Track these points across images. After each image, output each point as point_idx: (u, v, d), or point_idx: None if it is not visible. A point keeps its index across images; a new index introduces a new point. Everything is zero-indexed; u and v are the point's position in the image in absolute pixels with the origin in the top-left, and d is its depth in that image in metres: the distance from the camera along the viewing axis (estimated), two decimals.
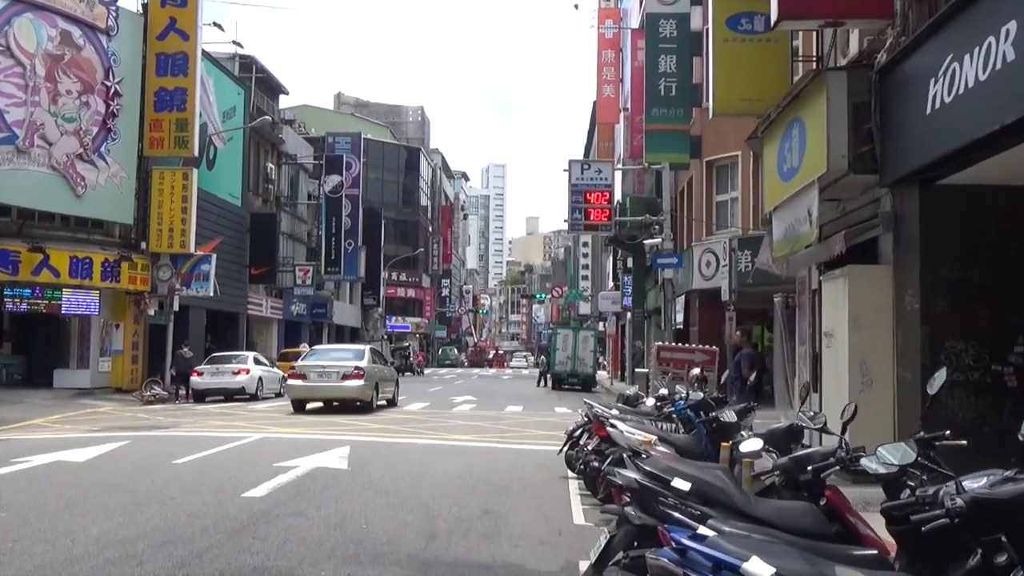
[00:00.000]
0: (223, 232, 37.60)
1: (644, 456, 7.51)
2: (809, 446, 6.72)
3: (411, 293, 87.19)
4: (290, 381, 24.29)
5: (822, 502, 5.13)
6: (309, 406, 23.60)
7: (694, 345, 17.53)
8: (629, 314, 45.78)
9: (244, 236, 40.59)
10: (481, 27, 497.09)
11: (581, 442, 11.67)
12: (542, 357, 43.01)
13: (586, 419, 12.21)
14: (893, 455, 3.99)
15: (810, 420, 6.65)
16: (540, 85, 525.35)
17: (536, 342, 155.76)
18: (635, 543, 4.85)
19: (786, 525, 4.63)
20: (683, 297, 29.18)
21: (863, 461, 4.34)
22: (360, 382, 22.96)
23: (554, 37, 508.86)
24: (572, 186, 25.94)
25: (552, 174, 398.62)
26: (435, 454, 14.28)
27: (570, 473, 12.18)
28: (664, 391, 13.03)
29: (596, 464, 9.85)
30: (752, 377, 11.24)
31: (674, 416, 11.10)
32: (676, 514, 4.54)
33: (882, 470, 4.01)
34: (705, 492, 4.80)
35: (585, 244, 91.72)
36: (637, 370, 32.72)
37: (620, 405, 12.91)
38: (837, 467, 5.13)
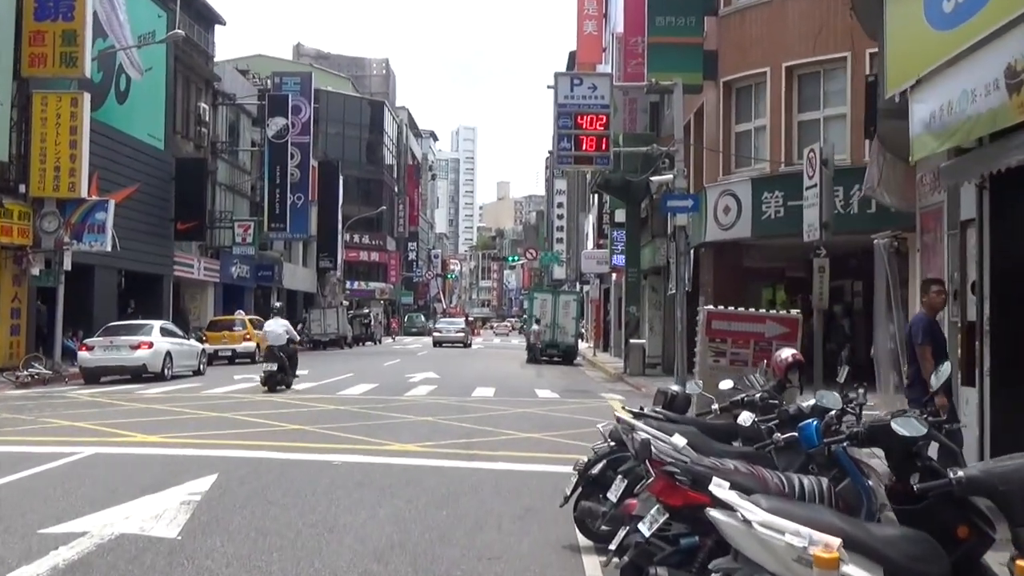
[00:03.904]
0: (140, 179, 31.76)
1: None
2: None
3: (375, 256, 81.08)
4: (434, 334, 53.73)
5: None
6: (228, 387, 18.96)
7: (762, 311, 12.07)
8: (615, 275, 40.42)
9: (168, 184, 34.55)
10: None
11: (610, 493, 6.21)
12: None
13: (612, 445, 6.76)
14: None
15: None
16: (511, 49, 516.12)
17: (507, 309, 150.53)
18: None
19: None
20: (691, 252, 23.76)
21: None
22: (463, 334, 52.18)
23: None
24: (559, 107, 20.12)
25: (524, 138, 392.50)
26: (352, 491, 8.71)
27: (582, 539, 6.77)
28: (734, 389, 7.55)
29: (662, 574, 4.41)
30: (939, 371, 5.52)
31: (776, 445, 5.70)
32: None
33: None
34: None
35: (560, 205, 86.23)
36: (632, 341, 27.36)
37: (661, 412, 7.41)
38: None
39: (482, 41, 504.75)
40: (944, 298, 8.28)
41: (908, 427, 4.17)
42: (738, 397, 7.13)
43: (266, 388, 19.35)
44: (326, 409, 16.16)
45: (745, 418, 6.29)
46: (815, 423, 5.43)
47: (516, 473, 9.85)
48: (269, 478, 9.18)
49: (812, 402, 6.03)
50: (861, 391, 5.57)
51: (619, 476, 6.23)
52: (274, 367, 19.54)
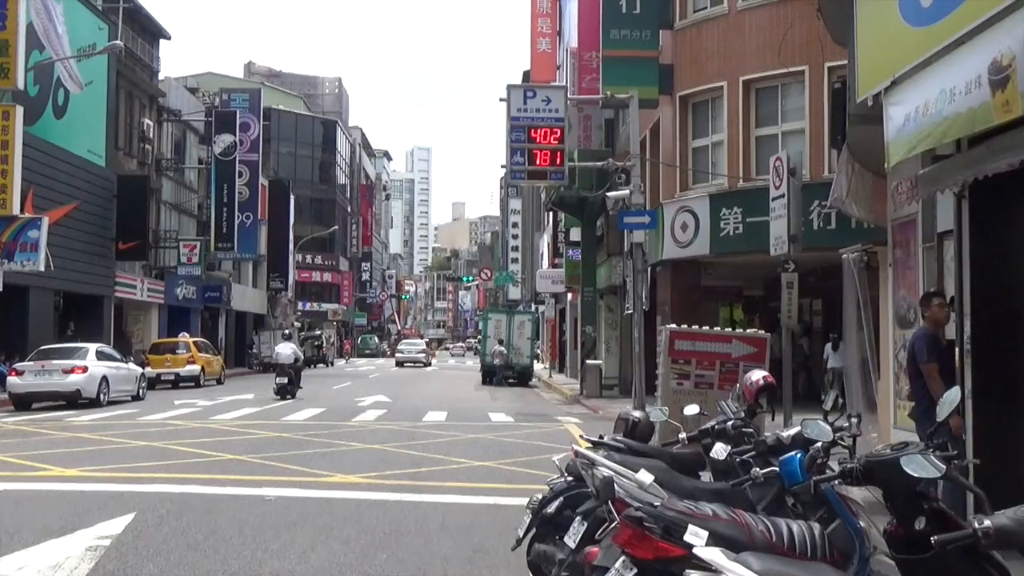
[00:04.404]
0: (79, 196, 30.67)
1: None
2: None
3: (327, 277, 79.86)
4: (397, 355, 57.64)
5: None
6: (166, 413, 17.30)
7: (728, 330, 11.43)
8: (570, 295, 39.83)
9: (109, 203, 33.39)
10: (402, 7, 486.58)
11: (567, 537, 5.50)
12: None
13: (569, 480, 6.05)
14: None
15: None
16: (466, 69, 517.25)
17: (463, 330, 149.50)
18: None
19: None
20: (648, 270, 23.25)
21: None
22: (423, 354, 56.98)
23: (478, 19, 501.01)
24: (512, 120, 19.54)
25: (479, 158, 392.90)
26: (283, 531, 7.91)
27: None
28: (701, 414, 6.90)
29: None
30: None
31: (755, 481, 5.04)
32: None
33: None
34: None
35: (515, 225, 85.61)
36: (588, 362, 26.76)
37: (623, 441, 6.74)
38: None
39: (436, 61, 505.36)
40: (947, 311, 7.69)
41: (920, 467, 3.50)
42: (707, 425, 6.46)
43: (278, 397, 24.20)
44: (266, 436, 15.27)
45: (719, 450, 5.61)
46: (799, 456, 4.78)
47: (466, 507, 9.10)
48: (192, 517, 8.34)
49: (793, 431, 5.39)
50: (854, 420, 4.92)
51: (578, 517, 5.51)
52: (284, 380, 24.62)
